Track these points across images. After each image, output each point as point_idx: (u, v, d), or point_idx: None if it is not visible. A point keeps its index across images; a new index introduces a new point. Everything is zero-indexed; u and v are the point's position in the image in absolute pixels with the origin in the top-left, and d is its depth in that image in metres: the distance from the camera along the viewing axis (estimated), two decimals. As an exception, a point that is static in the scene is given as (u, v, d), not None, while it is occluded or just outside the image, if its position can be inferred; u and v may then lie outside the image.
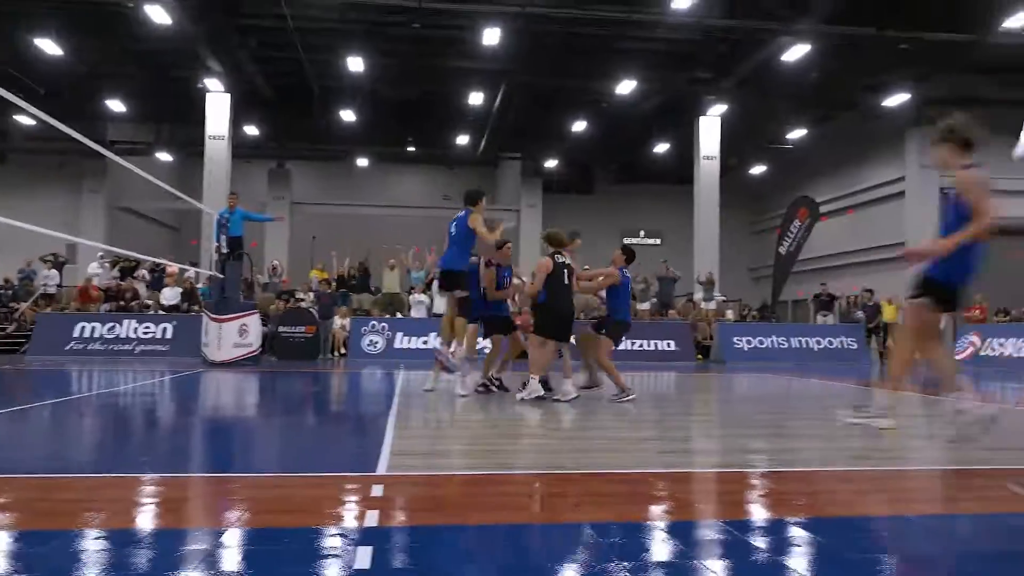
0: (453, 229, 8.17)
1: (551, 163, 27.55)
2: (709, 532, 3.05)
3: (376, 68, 19.51)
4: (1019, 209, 21.77)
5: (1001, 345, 15.51)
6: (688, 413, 7.85)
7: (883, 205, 22.86)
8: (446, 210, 29.15)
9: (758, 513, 3.46)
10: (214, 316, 12.82)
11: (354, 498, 3.49)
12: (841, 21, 15.42)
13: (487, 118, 22.94)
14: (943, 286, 4.58)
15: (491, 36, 16.25)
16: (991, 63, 18.74)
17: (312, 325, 15.36)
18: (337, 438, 5.81)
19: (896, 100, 20.05)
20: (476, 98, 21.00)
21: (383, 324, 16.49)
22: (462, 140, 25.64)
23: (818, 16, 15.06)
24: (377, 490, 3.55)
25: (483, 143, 25.12)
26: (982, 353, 15.82)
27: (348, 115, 22.22)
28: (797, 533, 3.04)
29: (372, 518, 3.07)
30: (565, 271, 7.65)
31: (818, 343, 17.32)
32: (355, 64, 18.36)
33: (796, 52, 16.72)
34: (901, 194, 21.89)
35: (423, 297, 17.58)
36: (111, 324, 15.47)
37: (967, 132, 4.58)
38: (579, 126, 23.41)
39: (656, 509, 3.42)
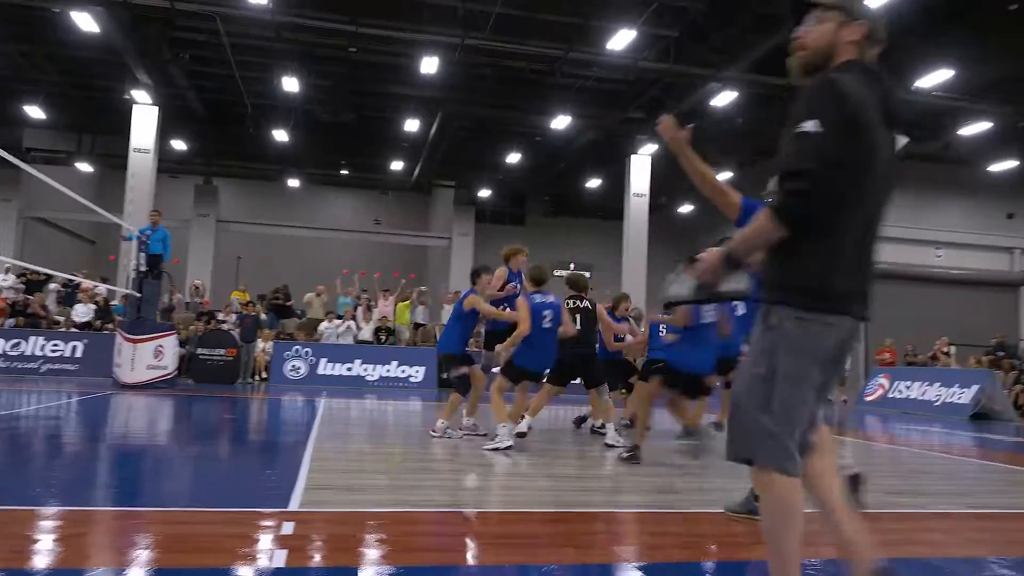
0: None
1: (485, 193, 27.70)
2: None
3: (311, 90, 19.34)
4: (925, 257, 22.99)
5: (908, 387, 16.18)
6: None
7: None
8: (377, 235, 29.06)
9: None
10: (128, 336, 12.34)
11: (263, 536, 3.37)
12: (767, 71, 16.05)
13: (422, 145, 22.95)
14: None
15: (429, 64, 16.32)
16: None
17: (233, 348, 14.93)
18: (250, 470, 5.63)
19: (816, 149, 20.97)
20: (412, 125, 21.01)
21: (306, 349, 16.15)
22: (396, 166, 25.57)
23: (745, 66, 15.64)
24: (288, 527, 3.45)
25: (417, 170, 25.09)
26: (890, 395, 16.46)
27: (281, 135, 21.91)
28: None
29: (280, 558, 2.97)
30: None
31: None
32: (290, 84, 18.15)
33: (724, 98, 17.33)
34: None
35: (349, 323, 17.32)
36: (15, 340, 14.71)
37: None
38: (513, 157, 23.65)
39: (571, 551, 3.41)
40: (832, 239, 2.16)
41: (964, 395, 14.66)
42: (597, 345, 7.99)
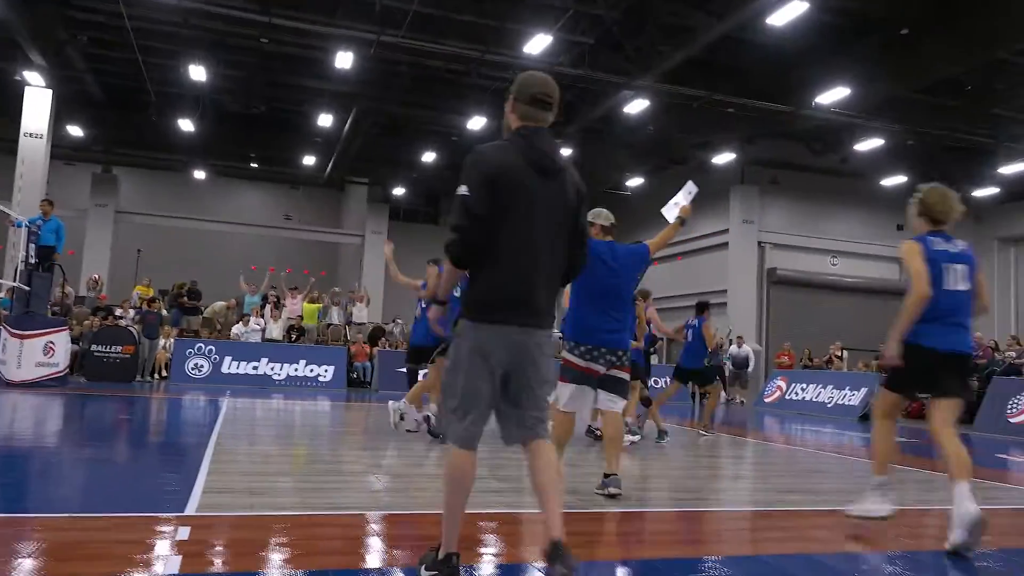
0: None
1: (399, 191, 27.46)
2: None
3: (220, 79, 18.74)
4: (822, 265, 24.10)
5: (803, 389, 16.94)
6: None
7: (709, 254, 24.52)
8: (287, 230, 28.40)
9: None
10: (15, 331, 11.68)
11: (158, 542, 3.27)
12: (678, 82, 16.52)
13: (336, 141, 22.58)
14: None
15: (343, 59, 16.06)
16: (804, 132, 20.73)
17: (130, 345, 14.33)
18: (145, 473, 5.42)
19: (723, 159, 21.68)
20: (325, 120, 20.63)
21: (210, 347, 15.66)
22: (308, 160, 25.03)
23: (657, 75, 16.05)
24: (184, 533, 3.35)
25: (330, 165, 24.66)
26: (787, 397, 17.21)
27: (187, 124, 21.12)
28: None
29: (175, 565, 2.89)
30: None
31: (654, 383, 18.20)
32: (197, 73, 17.53)
33: (637, 106, 17.73)
34: (725, 245, 23.58)
35: (259, 322, 16.90)
36: None
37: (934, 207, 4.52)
38: (429, 156, 23.53)
39: (474, 553, 3.44)
40: (492, 268, 2.79)
41: (854, 397, 15.48)
42: None
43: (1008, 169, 21.00)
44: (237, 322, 17.09)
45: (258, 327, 16.81)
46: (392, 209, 28.49)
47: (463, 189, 2.76)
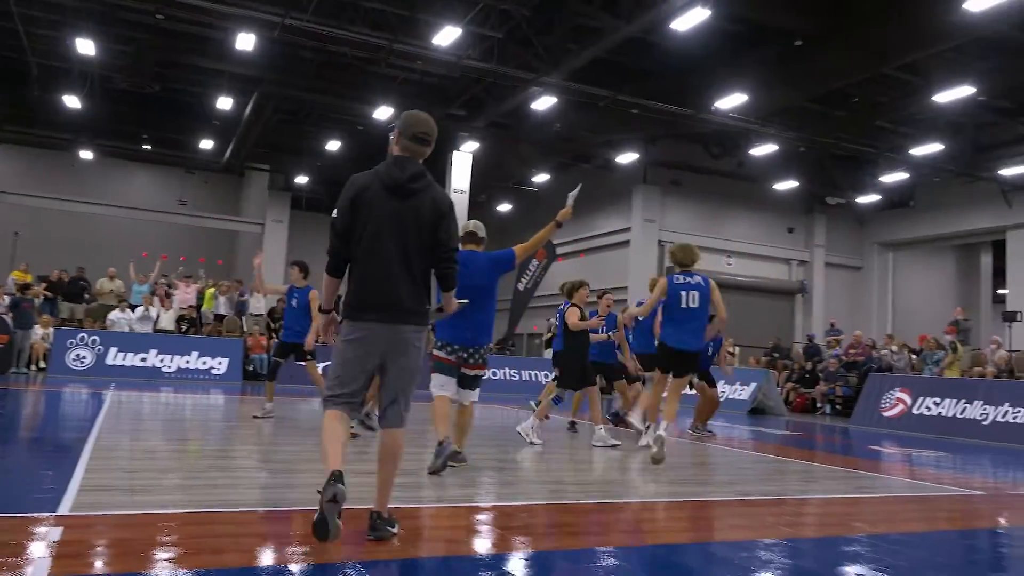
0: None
1: (302, 179, 26.77)
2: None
3: (111, 55, 17.76)
4: (717, 265, 24.99)
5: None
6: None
7: (612, 251, 25.05)
8: (182, 216, 27.24)
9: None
10: None
11: (27, 544, 3.09)
12: (585, 81, 16.77)
13: (235, 125, 21.81)
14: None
15: (245, 41, 15.51)
16: (704, 135, 21.44)
17: (4, 334, 13.45)
18: (16, 471, 5.10)
19: (627, 158, 22.17)
20: (224, 103, 19.86)
21: (94, 337, 14.88)
22: (206, 144, 24.07)
23: (564, 73, 16.25)
24: (56, 534, 3.18)
25: (229, 150, 23.80)
26: (684, 392, 17.74)
27: (73, 101, 19.93)
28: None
29: (44, 567, 2.74)
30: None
31: (546, 376, 18.41)
32: (85, 47, 16.55)
33: (544, 103, 17.88)
34: (627, 243, 24.14)
35: (147, 310, 16.17)
36: None
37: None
38: (333, 145, 23.06)
39: (366, 548, 3.40)
40: (358, 275, 3.42)
41: (744, 392, 16.14)
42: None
43: (888, 178, 22.33)
44: (117, 305, 16.24)
45: (147, 317, 16.10)
46: (294, 198, 27.77)
47: (335, 211, 3.40)
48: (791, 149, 20.96)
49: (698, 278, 6.93)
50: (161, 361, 15.24)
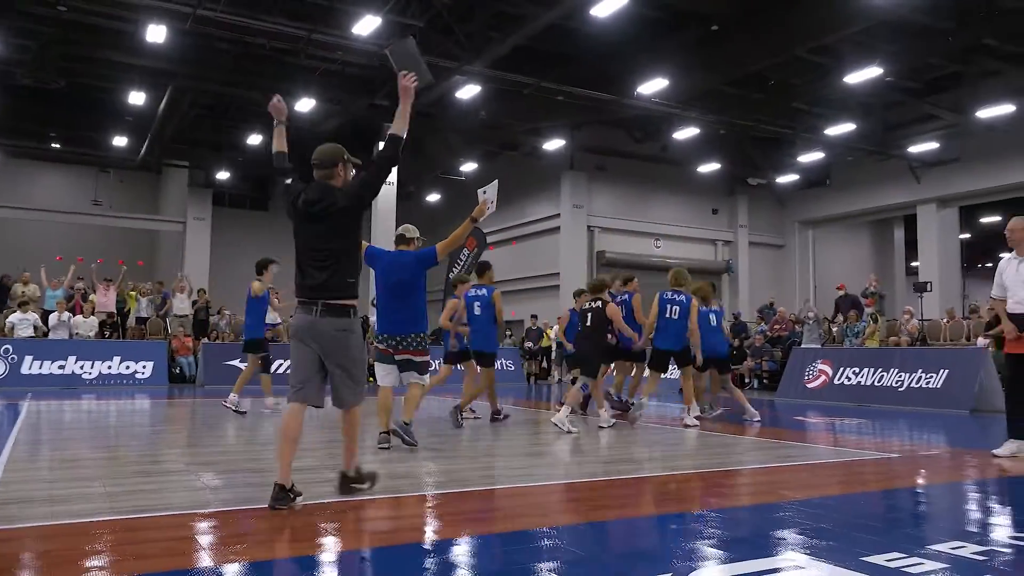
0: (477, 309, 8.64)
1: (223, 175, 26.07)
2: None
3: (10, 48, 16.89)
4: (647, 248, 25.41)
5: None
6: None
7: (542, 238, 25.22)
8: (97, 217, 26.21)
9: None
10: None
11: (-63, 562, 2.95)
12: (508, 68, 16.79)
13: (150, 121, 21.08)
14: None
15: (156, 33, 14.98)
16: (627, 120, 21.74)
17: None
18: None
19: (553, 145, 22.32)
20: (137, 98, 19.15)
21: (6, 346, 14.23)
22: (119, 142, 23.19)
23: (488, 61, 16.23)
24: (-31, 549, 3.04)
25: (144, 147, 22.99)
26: (615, 373, 18.03)
27: (-29, 98, 18.95)
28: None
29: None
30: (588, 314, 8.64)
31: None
32: (-18, 41, 15.74)
33: (469, 91, 17.84)
34: (557, 229, 24.33)
35: (63, 317, 15.52)
36: None
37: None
38: (255, 139, 22.51)
39: (285, 545, 3.37)
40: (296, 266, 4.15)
41: (674, 371, 16.47)
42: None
43: (805, 158, 23.08)
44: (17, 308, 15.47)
45: (64, 323, 15.45)
46: (216, 194, 27.05)
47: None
48: (712, 132, 21.45)
49: (682, 297, 8.86)
50: (81, 368, 14.68)
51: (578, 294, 10.20)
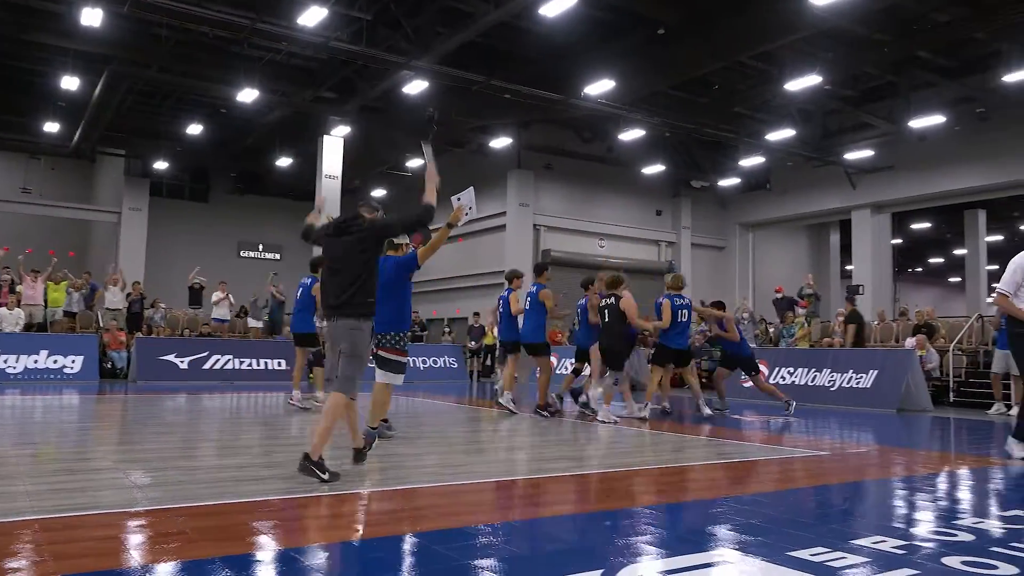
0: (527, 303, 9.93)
1: (161, 164, 25.38)
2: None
3: (-67, 28, 16.17)
4: (591, 247, 25.63)
5: (571, 364, 17.96)
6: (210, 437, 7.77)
7: (488, 236, 25.22)
8: (25, 206, 25.24)
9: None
10: None
11: None
12: (456, 65, 16.72)
13: (84, 107, 20.38)
14: None
15: (91, 16, 14.48)
16: (575, 120, 21.90)
17: None
18: None
19: (500, 143, 22.34)
20: (70, 82, 18.46)
21: (-77, 340, 13.63)
22: (51, 128, 22.35)
23: (436, 57, 16.15)
24: None
25: (78, 134, 22.22)
26: (557, 372, 18.17)
27: None
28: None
29: None
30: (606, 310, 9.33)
31: (424, 362, 18.41)
32: (-98, 19, 15.00)
33: (416, 87, 17.70)
34: (503, 227, 24.36)
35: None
36: None
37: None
38: (195, 129, 21.96)
39: (213, 545, 3.32)
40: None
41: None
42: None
43: (747, 162, 23.56)
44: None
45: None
46: (153, 184, 26.33)
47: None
48: (658, 134, 21.74)
49: (687, 299, 9.99)
50: (5, 362, 14.14)
51: (585, 285, 10.59)
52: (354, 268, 4.85)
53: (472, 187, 6.52)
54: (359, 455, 5.16)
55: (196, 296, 19.44)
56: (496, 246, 24.57)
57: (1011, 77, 15.95)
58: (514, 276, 10.32)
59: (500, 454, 6.58)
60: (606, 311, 9.29)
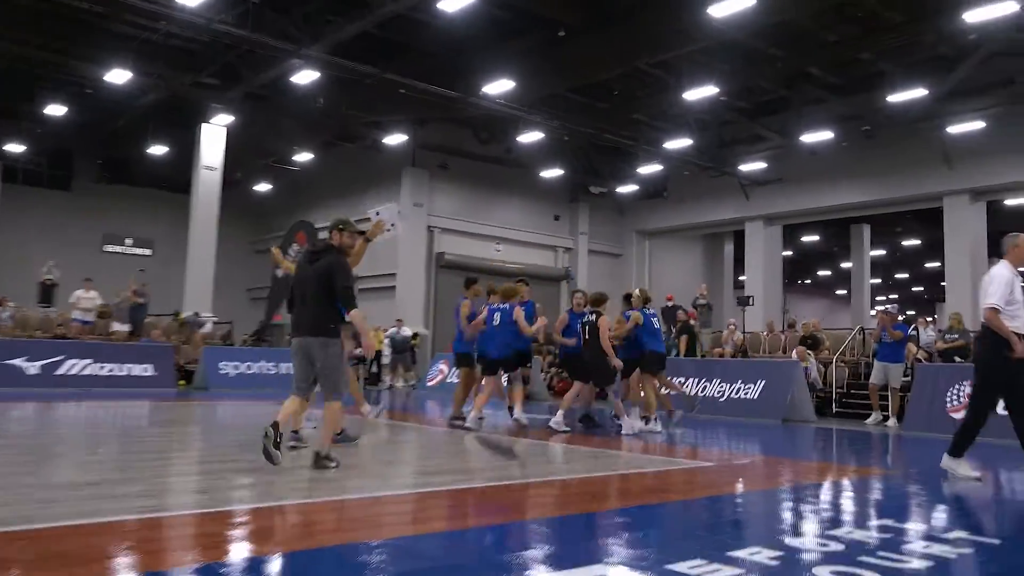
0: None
1: (17, 147, 23.82)
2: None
3: None
4: (486, 251, 25.77)
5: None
6: (148, 450, 7.45)
7: (380, 236, 24.91)
8: None
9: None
10: None
11: None
12: (349, 56, 16.47)
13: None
14: None
15: (-63, -21, 13.49)
16: (472, 119, 21.97)
17: None
18: None
19: (395, 139, 22.13)
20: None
21: None
22: None
23: (327, 46, 15.86)
24: None
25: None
26: (448, 380, 18.16)
27: None
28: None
29: None
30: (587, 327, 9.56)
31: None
32: None
33: (306, 76, 17.32)
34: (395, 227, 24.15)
35: None
36: None
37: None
38: (56, 110, 20.70)
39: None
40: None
41: (504, 378, 16.79)
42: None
43: (645, 169, 24.24)
44: None
45: None
46: (7, 169, 24.66)
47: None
48: (557, 137, 22.09)
49: (653, 310, 10.65)
50: None
51: (467, 285, 10.68)
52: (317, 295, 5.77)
53: (395, 203, 6.56)
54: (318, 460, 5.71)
55: (47, 293, 18.32)
56: (388, 247, 24.29)
57: (894, 97, 17.12)
58: (514, 290, 10.19)
59: (375, 469, 6.52)
60: (587, 328, 9.44)
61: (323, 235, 25.30)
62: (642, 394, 10.25)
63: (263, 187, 28.26)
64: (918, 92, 16.85)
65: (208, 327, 19.43)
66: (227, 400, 13.55)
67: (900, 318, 13.42)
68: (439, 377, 18.51)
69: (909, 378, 12.76)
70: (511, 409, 10.06)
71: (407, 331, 20.53)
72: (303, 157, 24.75)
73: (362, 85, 18.08)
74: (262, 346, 20.15)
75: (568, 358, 10.54)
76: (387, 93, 18.35)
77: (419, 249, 23.91)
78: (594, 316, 9.47)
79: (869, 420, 12.63)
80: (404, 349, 20.22)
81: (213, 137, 21.32)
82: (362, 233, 6.30)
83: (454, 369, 13.36)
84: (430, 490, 5.38)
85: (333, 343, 5.72)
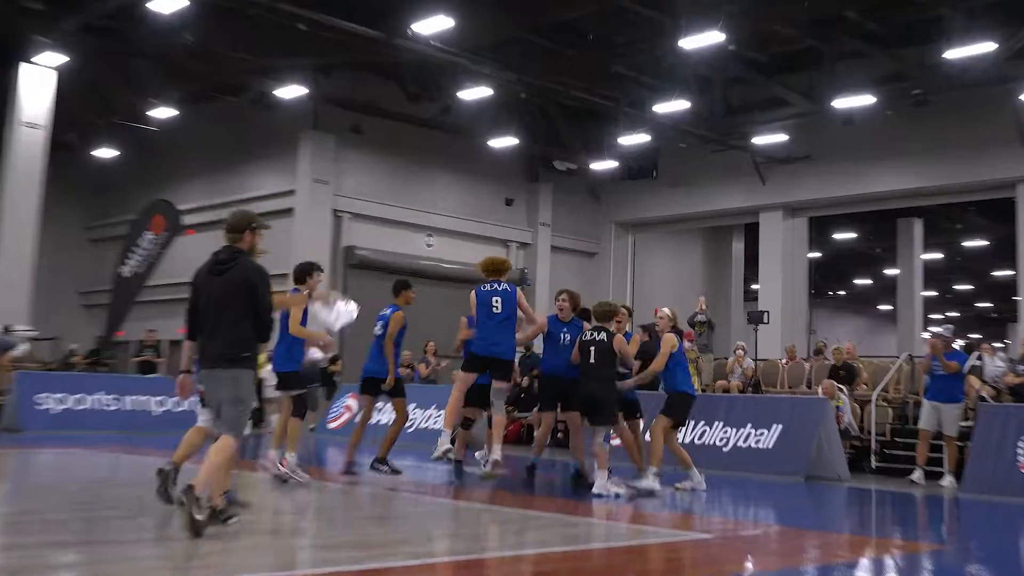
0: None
1: None
2: None
3: None
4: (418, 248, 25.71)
5: (379, 410, 17.83)
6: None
7: (269, 222, 24.58)
8: None
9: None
10: None
11: None
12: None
13: None
14: None
15: None
16: (397, 68, 21.86)
17: None
18: None
19: (290, 92, 21.86)
20: None
21: None
22: None
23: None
24: None
25: None
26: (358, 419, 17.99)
27: None
28: None
29: None
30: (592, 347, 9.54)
31: (161, 404, 17.43)
32: None
33: (168, 4, 17.03)
34: (290, 211, 23.85)
35: None
36: None
37: None
38: None
39: None
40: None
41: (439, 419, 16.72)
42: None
43: (628, 140, 24.22)
44: None
45: None
46: None
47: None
48: (511, 95, 22.11)
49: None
50: None
51: (397, 290, 11.10)
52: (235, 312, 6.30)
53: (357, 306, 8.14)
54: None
55: None
56: (280, 237, 24.05)
57: (953, 53, 17.23)
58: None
59: (263, 540, 6.45)
60: (591, 348, 9.36)
61: (190, 220, 25.16)
62: (647, 438, 10.39)
63: (106, 153, 27.65)
64: (986, 46, 17.01)
65: (21, 348, 18.87)
66: (49, 447, 13.27)
67: (957, 344, 13.53)
68: (346, 416, 18.35)
69: (970, 422, 12.93)
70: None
71: (316, 354, 20.12)
72: (162, 113, 24.27)
73: (246, 16, 17.92)
74: (100, 371, 19.78)
75: (552, 380, 10.31)
76: (281, 29, 18.19)
77: (322, 241, 23.64)
78: (604, 335, 9.48)
79: (913, 476, 12.61)
80: (314, 379, 19.86)
81: (37, 82, 20.88)
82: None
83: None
84: (330, 569, 5.34)
85: (246, 375, 6.03)
